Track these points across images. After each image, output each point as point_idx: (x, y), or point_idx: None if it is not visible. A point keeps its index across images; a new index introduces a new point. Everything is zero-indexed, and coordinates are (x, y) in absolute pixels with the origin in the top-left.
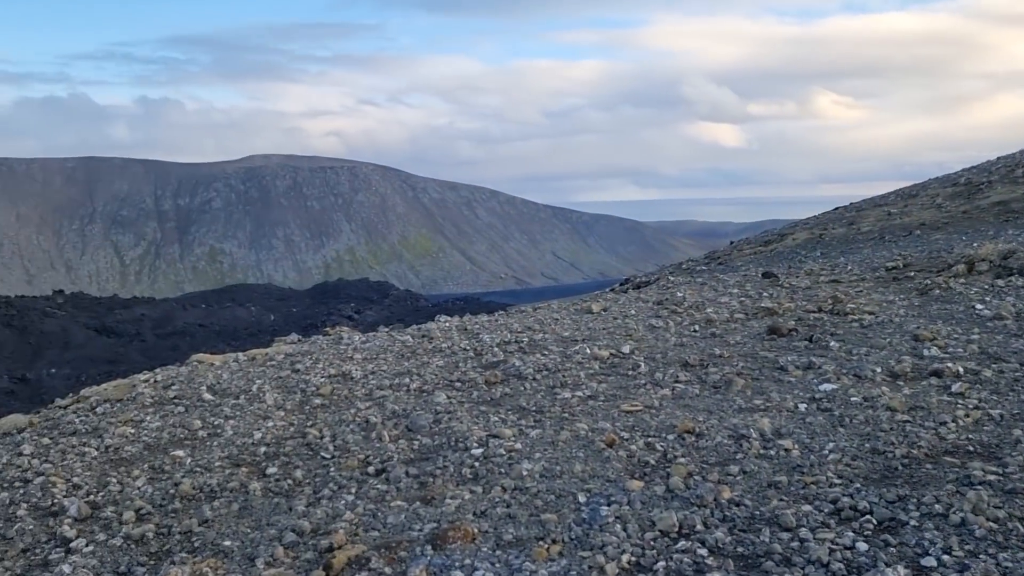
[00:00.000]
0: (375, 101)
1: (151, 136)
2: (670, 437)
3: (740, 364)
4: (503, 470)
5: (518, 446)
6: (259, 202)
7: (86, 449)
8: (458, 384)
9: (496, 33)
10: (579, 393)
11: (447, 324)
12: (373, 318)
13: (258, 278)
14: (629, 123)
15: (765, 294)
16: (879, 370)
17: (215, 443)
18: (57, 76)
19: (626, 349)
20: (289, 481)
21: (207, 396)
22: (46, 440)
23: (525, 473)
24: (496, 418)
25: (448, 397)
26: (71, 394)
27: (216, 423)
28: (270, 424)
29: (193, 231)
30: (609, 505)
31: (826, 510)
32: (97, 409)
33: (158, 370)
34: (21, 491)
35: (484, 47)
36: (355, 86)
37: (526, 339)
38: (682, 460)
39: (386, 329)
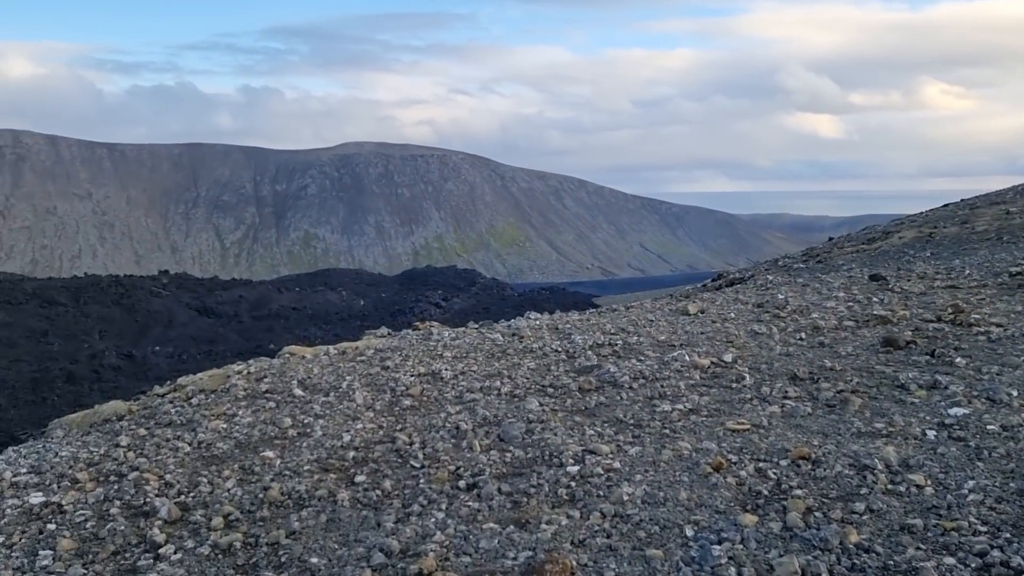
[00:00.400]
0: (466, 90)
1: (252, 124)
2: (783, 463)
3: (855, 380)
4: (601, 492)
5: (616, 465)
6: (352, 189)
7: (179, 444)
8: (550, 390)
9: (588, 22)
10: (679, 406)
11: (537, 322)
12: (460, 306)
13: (349, 263)
14: (722, 113)
15: (875, 299)
16: (1015, 393)
17: (304, 444)
18: (166, 66)
19: (728, 357)
20: (378, 492)
21: (298, 392)
22: (142, 431)
23: (626, 498)
24: (592, 431)
25: (540, 404)
26: (168, 381)
27: (306, 421)
28: (359, 426)
29: (289, 216)
30: (720, 543)
31: (973, 564)
32: (192, 400)
33: (251, 361)
34: (116, 487)
35: (575, 36)
36: (447, 75)
37: (620, 342)
38: (799, 492)
39: (475, 326)
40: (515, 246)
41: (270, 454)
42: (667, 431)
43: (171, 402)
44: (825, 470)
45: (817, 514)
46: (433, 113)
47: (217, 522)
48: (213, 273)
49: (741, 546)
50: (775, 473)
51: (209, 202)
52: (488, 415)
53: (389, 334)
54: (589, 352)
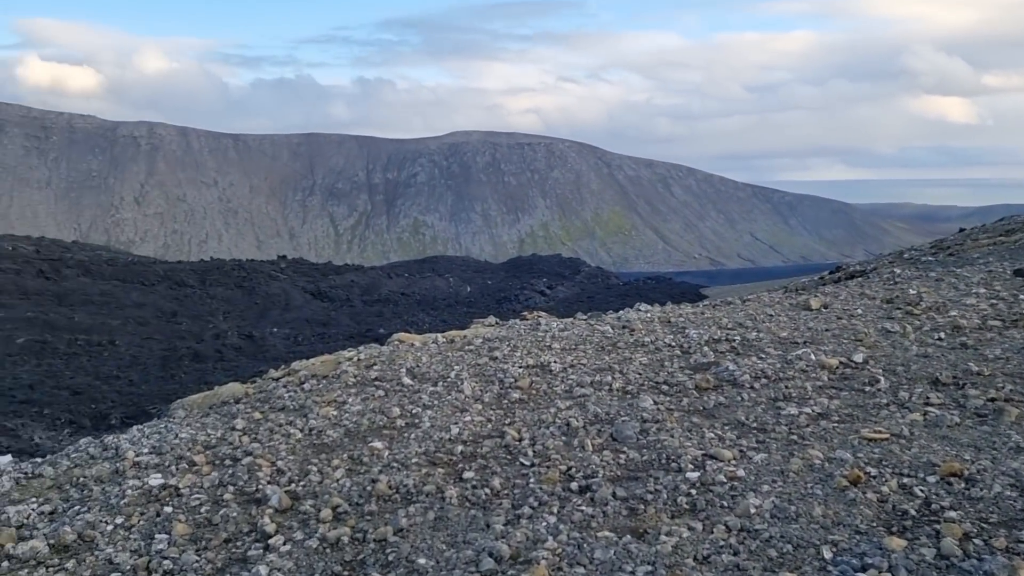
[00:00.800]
0: (574, 78)
1: (366, 114)
2: (931, 479)
3: (1007, 386)
4: (725, 503)
5: (740, 473)
6: (460, 177)
7: (291, 430)
8: (665, 387)
9: (699, 6)
10: (807, 410)
11: (648, 315)
12: (564, 294)
13: (456, 250)
14: (841, 98)
15: (1023, 296)
16: None
17: (412, 435)
18: (286, 59)
19: (858, 358)
20: (487, 490)
21: (406, 380)
22: (257, 415)
23: (753, 510)
24: (712, 434)
25: (655, 403)
26: (283, 364)
27: (414, 411)
28: (467, 418)
29: (399, 204)
30: (864, 569)
31: None
32: (304, 385)
33: (362, 348)
34: (230, 471)
35: (686, 21)
36: (555, 63)
37: (738, 338)
38: (953, 514)
39: (584, 317)
40: (620, 235)
41: (378, 445)
42: (795, 437)
43: (285, 386)
44: (982, 490)
45: (977, 541)
46: (540, 101)
47: (326, 514)
48: (328, 258)
49: (889, 574)
50: (922, 491)
51: (324, 190)
52: (600, 412)
53: (497, 323)
54: (705, 348)
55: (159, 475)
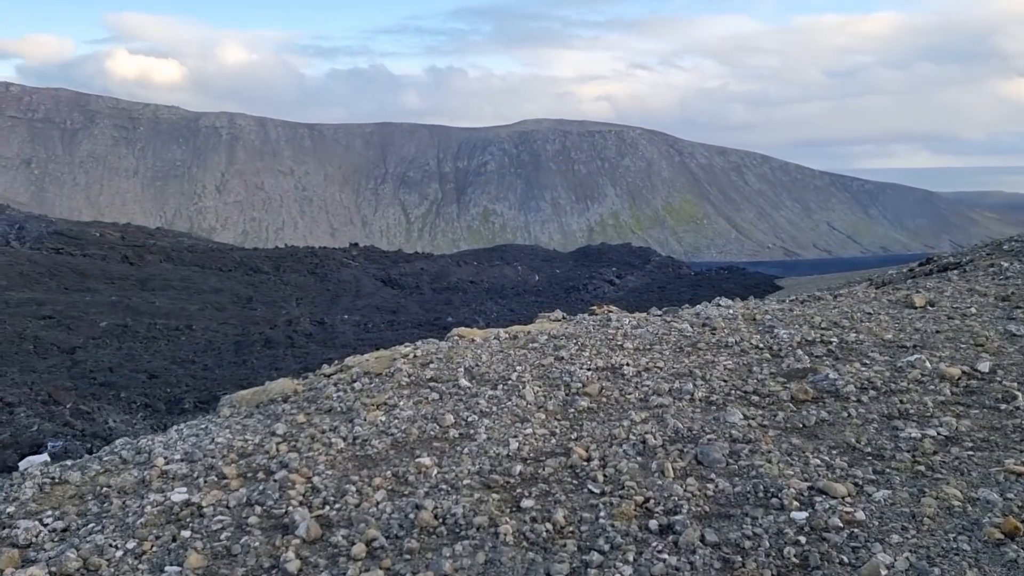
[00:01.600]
0: (646, 64)
1: (437, 103)
2: None
3: None
4: (845, 556)
5: (860, 515)
6: (529, 165)
7: (334, 439)
8: (755, 398)
9: None
10: (931, 431)
11: (730, 311)
12: (634, 283)
13: (525, 239)
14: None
15: None
16: None
17: (466, 449)
18: (360, 49)
19: (984, 367)
20: (548, 525)
21: (463, 382)
22: (301, 417)
23: (884, 572)
24: (817, 460)
25: (745, 417)
26: (336, 360)
27: (470, 419)
28: (528, 430)
29: (469, 192)
30: None
31: None
32: (355, 384)
33: (419, 344)
34: (260, 488)
35: (763, 5)
36: (627, 50)
37: (835, 339)
38: None
39: (659, 312)
40: (692, 223)
41: (427, 461)
42: (921, 467)
43: (335, 384)
44: None
45: None
46: (611, 89)
47: (358, 550)
48: (399, 246)
49: None
50: None
51: (396, 178)
52: (680, 427)
53: (564, 318)
54: (799, 351)
55: (184, 489)
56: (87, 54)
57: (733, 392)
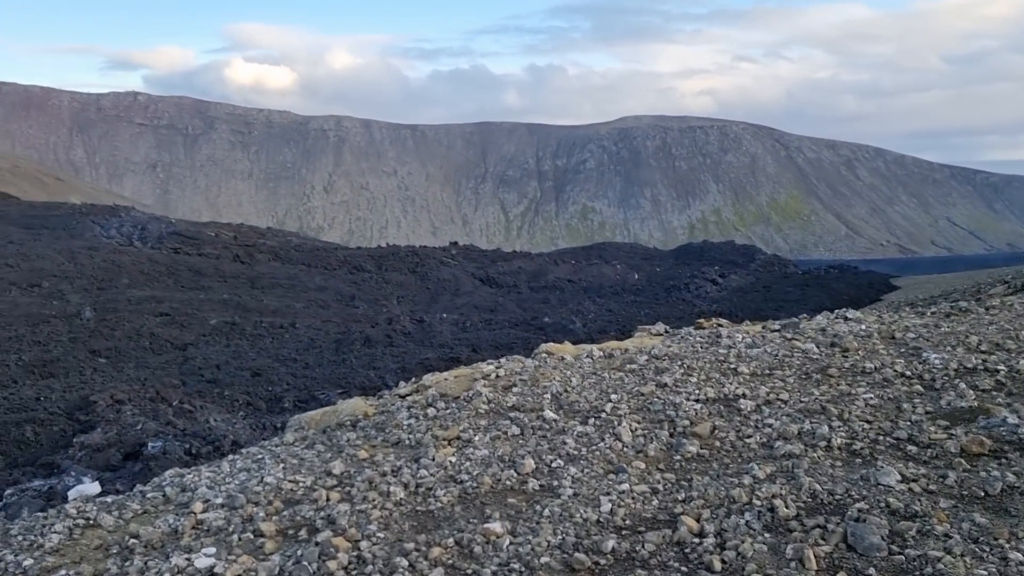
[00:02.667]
0: (751, 57)
1: (537, 101)
2: None
3: None
4: None
5: None
6: (629, 162)
7: (393, 488)
8: (912, 449)
9: None
10: None
11: (863, 327)
12: (737, 283)
13: (625, 236)
14: None
15: None
16: None
17: (546, 511)
18: (461, 50)
19: None
20: None
21: (549, 413)
22: (363, 453)
23: None
24: (1018, 554)
25: (904, 479)
26: (413, 379)
27: (554, 465)
28: (624, 486)
29: (568, 190)
30: None
31: None
32: (429, 409)
33: (503, 361)
34: (298, 554)
35: None
36: (731, 42)
37: (1002, 367)
38: None
39: (777, 327)
40: (799, 220)
41: (497, 527)
42: None
43: (408, 408)
44: None
45: None
46: (715, 83)
47: None
48: (498, 244)
49: None
50: None
51: (496, 177)
52: (819, 490)
53: (666, 332)
54: (959, 383)
55: (212, 551)
56: (207, 63)
57: (881, 439)
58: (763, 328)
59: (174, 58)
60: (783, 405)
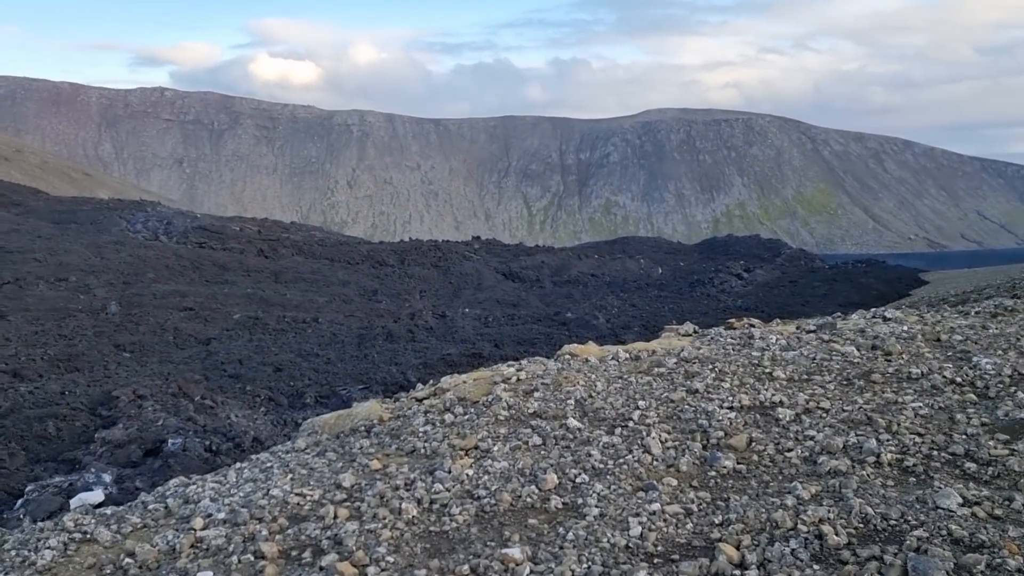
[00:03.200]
0: (778, 48)
1: (560, 95)
2: None
3: None
4: None
5: None
6: (653, 156)
7: (405, 504)
8: (971, 466)
9: None
10: None
11: (904, 327)
12: (763, 278)
13: (648, 230)
14: None
15: None
16: None
17: (570, 535)
18: (485, 44)
19: None
20: None
21: (573, 422)
22: (376, 463)
23: None
24: None
25: (966, 502)
26: (432, 381)
27: (579, 480)
28: (655, 505)
29: (591, 184)
30: None
31: None
32: (447, 415)
33: (525, 363)
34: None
35: None
36: (757, 34)
37: None
38: None
39: (812, 327)
40: (825, 214)
41: (516, 553)
42: None
43: (425, 413)
44: None
45: None
46: (740, 75)
47: None
48: (521, 238)
49: None
50: None
51: (519, 171)
52: (871, 514)
53: (696, 332)
54: (1013, 389)
55: (209, 574)
56: (233, 58)
57: (935, 454)
58: (798, 328)
59: (200, 54)
60: (824, 415)
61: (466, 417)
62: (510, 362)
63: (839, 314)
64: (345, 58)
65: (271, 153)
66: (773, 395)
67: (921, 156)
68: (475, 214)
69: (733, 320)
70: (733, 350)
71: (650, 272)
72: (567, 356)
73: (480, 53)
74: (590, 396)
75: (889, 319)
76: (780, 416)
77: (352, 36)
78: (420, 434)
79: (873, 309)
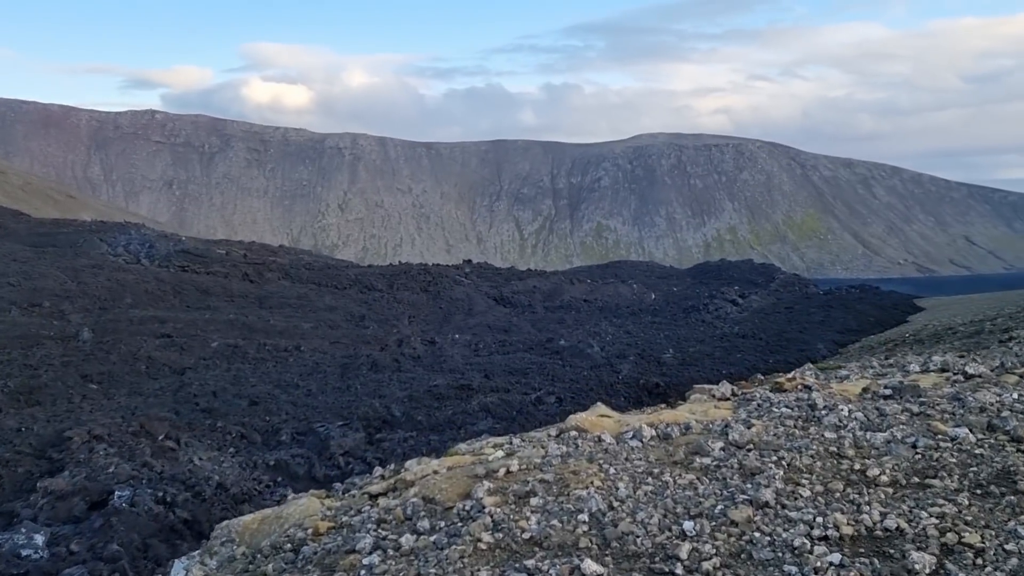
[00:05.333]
0: (766, 75)
1: (552, 120)
2: None
3: None
4: None
5: None
6: (644, 180)
7: None
8: None
9: None
10: None
11: (1016, 397)
12: (759, 304)
13: (639, 255)
14: None
15: None
16: None
17: None
18: (477, 69)
19: None
20: None
21: (590, 567)
22: None
23: None
24: None
25: None
26: (392, 467)
27: None
28: None
29: (583, 208)
30: None
31: None
32: (404, 538)
33: (518, 444)
34: None
35: (893, 9)
36: (746, 61)
37: None
38: None
39: (887, 390)
40: (815, 239)
41: None
42: None
43: (378, 525)
44: None
45: None
46: (730, 101)
47: None
48: (512, 262)
49: None
50: None
51: (511, 195)
52: None
53: (736, 395)
54: None
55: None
56: (225, 82)
57: None
58: (867, 392)
59: (192, 77)
60: (979, 558)
61: (432, 540)
62: (495, 442)
63: (915, 367)
64: (337, 82)
65: (262, 176)
66: (882, 515)
67: (909, 182)
68: (467, 238)
69: (782, 380)
70: (796, 427)
71: (643, 297)
72: (574, 432)
73: (472, 78)
74: (610, 506)
75: (973, 375)
76: (913, 561)
77: (345, 60)
78: (362, 571)
79: (941, 358)
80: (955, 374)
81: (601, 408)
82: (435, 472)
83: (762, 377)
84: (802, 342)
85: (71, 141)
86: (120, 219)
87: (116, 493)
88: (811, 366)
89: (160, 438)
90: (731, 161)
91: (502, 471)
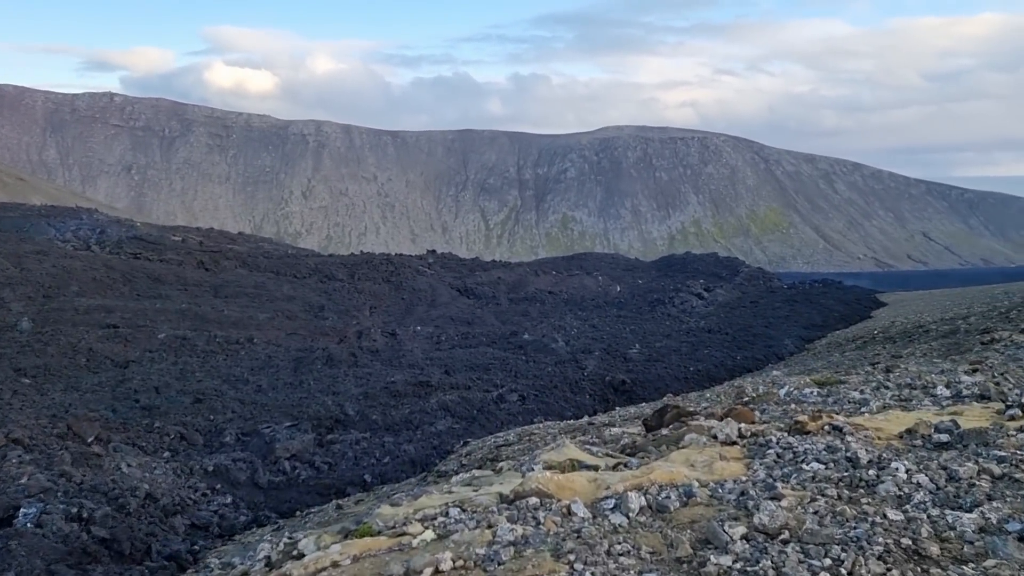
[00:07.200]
0: (732, 70)
1: (520, 110)
2: None
3: None
4: None
5: None
6: (610, 172)
7: None
8: None
9: None
10: None
11: None
12: (724, 298)
13: (605, 246)
14: None
15: None
16: None
17: None
18: (444, 58)
19: None
20: None
21: None
22: None
23: None
24: None
25: None
26: (285, 541)
27: None
28: None
29: (549, 199)
30: None
31: None
32: None
33: (455, 512)
34: None
35: (857, 7)
36: (712, 55)
37: None
38: None
39: (942, 436)
40: (778, 232)
41: None
42: None
43: None
44: None
45: None
46: (696, 95)
47: None
48: (478, 252)
49: None
50: None
51: (476, 185)
52: None
53: (742, 437)
54: None
55: None
56: (187, 65)
57: None
58: (913, 436)
59: (153, 60)
60: None
61: None
62: (425, 514)
63: (943, 394)
64: (302, 68)
65: (224, 162)
66: None
67: (869, 178)
68: (432, 227)
69: (802, 416)
70: (841, 499)
71: (608, 290)
72: (534, 500)
73: (439, 66)
74: None
75: (1011, 406)
76: None
77: (310, 46)
78: None
79: (971, 379)
80: (1010, 406)
81: (569, 450)
82: (334, 565)
83: (751, 391)
84: (768, 337)
85: (25, 123)
86: (74, 204)
87: (22, 510)
88: (809, 380)
89: (90, 440)
90: (696, 154)
91: (427, 571)
